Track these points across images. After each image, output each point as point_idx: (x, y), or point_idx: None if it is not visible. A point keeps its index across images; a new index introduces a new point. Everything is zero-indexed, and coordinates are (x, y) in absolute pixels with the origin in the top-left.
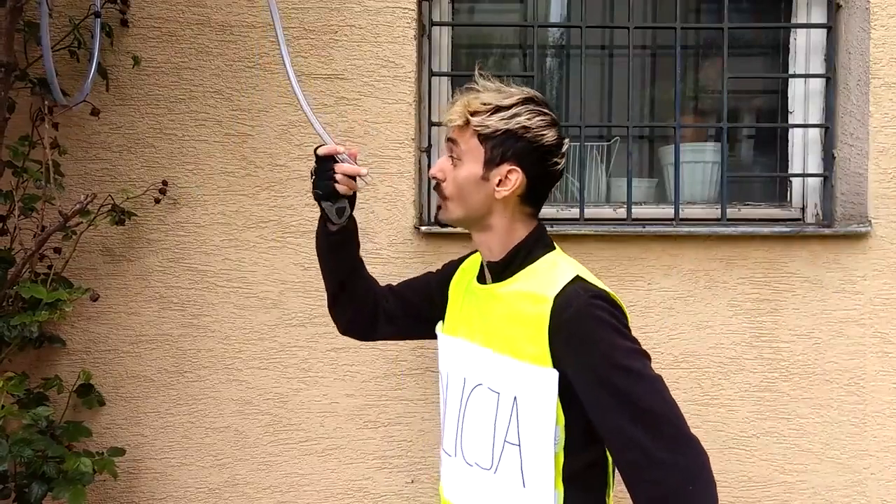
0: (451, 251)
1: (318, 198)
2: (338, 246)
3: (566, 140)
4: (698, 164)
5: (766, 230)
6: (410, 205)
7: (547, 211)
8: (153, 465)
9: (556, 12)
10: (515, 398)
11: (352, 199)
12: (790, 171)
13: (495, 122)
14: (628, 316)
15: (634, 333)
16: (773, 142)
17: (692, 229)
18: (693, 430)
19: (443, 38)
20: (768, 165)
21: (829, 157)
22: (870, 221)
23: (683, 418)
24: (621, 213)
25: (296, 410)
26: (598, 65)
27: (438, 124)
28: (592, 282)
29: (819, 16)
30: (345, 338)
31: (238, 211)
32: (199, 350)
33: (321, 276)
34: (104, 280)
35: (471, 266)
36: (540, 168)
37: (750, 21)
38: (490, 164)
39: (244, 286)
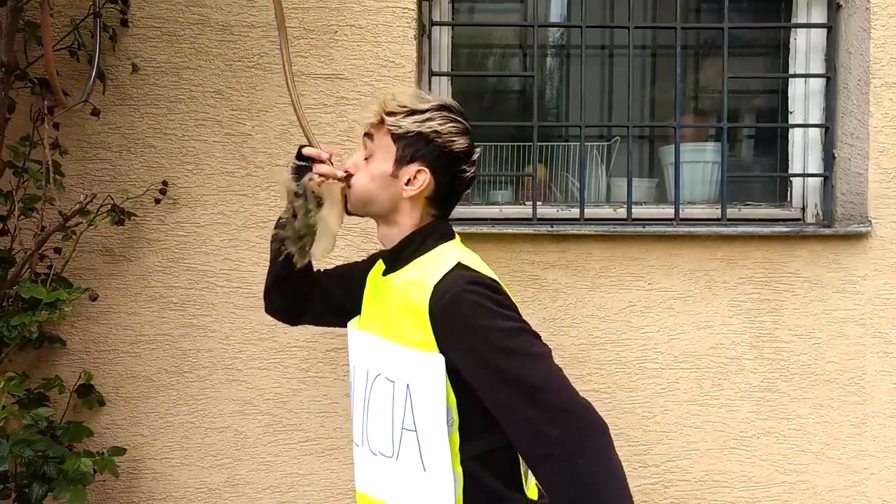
0: None
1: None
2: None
3: (477, 149)
4: (698, 164)
5: (766, 230)
6: None
7: (547, 211)
8: (153, 465)
9: (556, 12)
10: (408, 385)
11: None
12: (790, 171)
13: (408, 124)
14: (514, 302)
15: (634, 333)
16: (773, 142)
17: (692, 229)
18: (693, 431)
19: (443, 38)
20: (768, 165)
21: (829, 157)
22: (870, 221)
23: (571, 390)
24: (621, 213)
25: (296, 410)
26: (598, 65)
27: None
28: (475, 268)
29: (819, 16)
30: (345, 338)
31: (238, 211)
32: (199, 350)
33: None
34: (104, 280)
35: (380, 262)
36: (448, 173)
37: (750, 21)
38: (400, 162)
39: (244, 286)
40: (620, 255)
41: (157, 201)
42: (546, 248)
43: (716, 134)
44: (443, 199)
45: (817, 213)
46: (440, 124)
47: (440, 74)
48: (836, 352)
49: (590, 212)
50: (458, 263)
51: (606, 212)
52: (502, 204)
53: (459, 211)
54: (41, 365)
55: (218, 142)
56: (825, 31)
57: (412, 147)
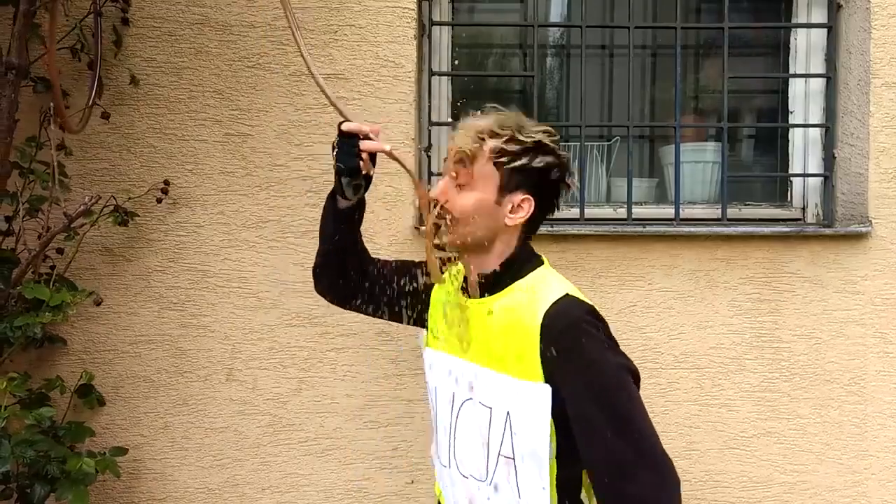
0: None
1: (339, 172)
2: (344, 219)
3: (576, 179)
4: (699, 163)
5: (766, 230)
6: (410, 205)
7: None
8: (153, 465)
9: (556, 12)
10: (508, 413)
11: (368, 178)
12: (791, 171)
13: (516, 153)
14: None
15: (634, 333)
16: (773, 142)
17: (692, 229)
18: (693, 430)
19: (443, 37)
20: (769, 165)
21: (829, 157)
22: (870, 221)
23: (660, 441)
24: (622, 212)
25: (296, 411)
26: (598, 65)
27: (438, 124)
28: (582, 298)
29: (819, 16)
30: (344, 338)
31: (237, 211)
32: (199, 350)
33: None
34: (104, 280)
35: (451, 278)
36: (549, 200)
37: (750, 21)
38: (504, 190)
39: (244, 286)
40: (620, 255)
41: (159, 201)
42: (546, 248)
43: (716, 134)
44: (538, 224)
45: (817, 213)
46: (548, 156)
47: (440, 74)
48: (837, 352)
49: (590, 212)
50: (567, 293)
51: (606, 212)
52: None
53: None
54: (42, 365)
55: (218, 142)
56: (825, 30)
57: (518, 176)
